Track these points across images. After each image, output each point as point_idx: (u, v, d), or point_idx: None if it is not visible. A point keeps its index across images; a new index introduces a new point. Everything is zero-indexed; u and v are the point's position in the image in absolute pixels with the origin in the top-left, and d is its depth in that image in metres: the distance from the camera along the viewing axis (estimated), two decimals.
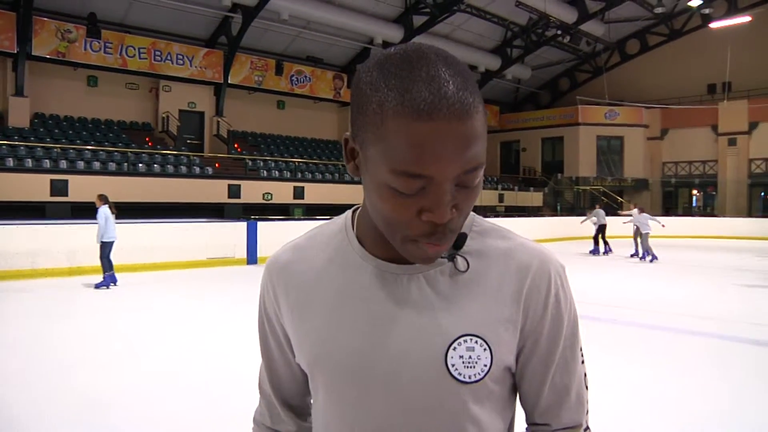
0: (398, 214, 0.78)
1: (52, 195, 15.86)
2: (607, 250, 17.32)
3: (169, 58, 21.18)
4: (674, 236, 24.10)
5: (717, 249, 19.30)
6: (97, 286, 9.74)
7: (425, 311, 0.87)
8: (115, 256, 11.01)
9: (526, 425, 1.01)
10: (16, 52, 17.93)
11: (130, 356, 5.88)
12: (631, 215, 16.68)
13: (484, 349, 0.86)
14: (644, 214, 15.97)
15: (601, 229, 17.31)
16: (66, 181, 16.20)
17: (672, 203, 31.95)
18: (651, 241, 15.57)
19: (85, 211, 15.15)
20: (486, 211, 26.23)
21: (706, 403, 4.75)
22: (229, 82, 22.71)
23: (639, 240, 15.97)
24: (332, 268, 0.93)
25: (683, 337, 7.11)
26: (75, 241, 11.48)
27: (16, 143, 16.84)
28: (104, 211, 9.65)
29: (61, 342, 6.38)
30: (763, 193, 29.70)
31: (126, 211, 15.98)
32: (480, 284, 0.89)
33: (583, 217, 18.57)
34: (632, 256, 16.22)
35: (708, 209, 30.97)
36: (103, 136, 19.81)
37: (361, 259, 0.92)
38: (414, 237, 0.79)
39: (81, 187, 16.33)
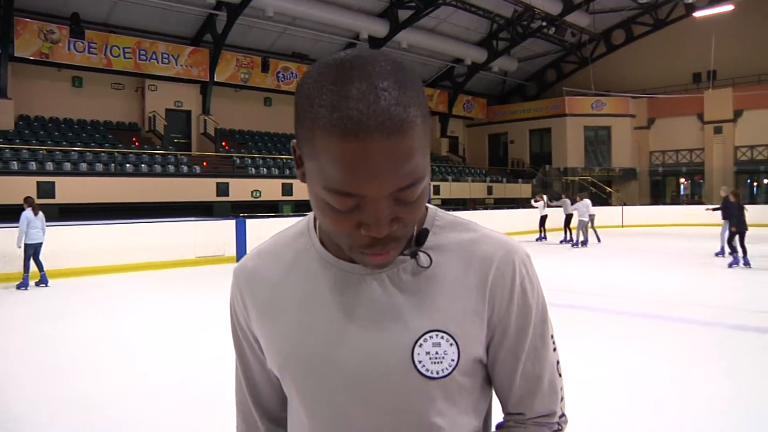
0: (337, 227, 0.78)
1: (39, 197, 15.67)
2: (565, 240, 17.78)
3: (154, 57, 21.04)
4: (663, 224, 24.27)
5: (708, 236, 19.39)
6: (18, 287, 9.77)
7: (390, 310, 0.87)
8: (104, 257, 11.03)
9: (502, 415, 1.01)
10: None
11: (120, 356, 5.87)
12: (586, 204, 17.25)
13: (451, 344, 0.86)
14: (586, 201, 16.86)
15: (567, 218, 17.86)
16: (53, 183, 16.09)
17: (660, 192, 32.16)
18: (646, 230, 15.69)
19: (73, 213, 15.09)
20: (475, 204, 26.32)
21: (699, 386, 4.81)
22: (215, 80, 22.60)
23: (591, 227, 17.06)
24: (297, 272, 0.94)
25: (672, 325, 7.17)
26: (63, 243, 11.43)
27: (1, 146, 16.69)
28: (25, 214, 9.73)
29: (53, 343, 6.37)
30: (749, 180, 29.94)
31: (114, 211, 15.94)
32: (444, 279, 0.89)
33: (538, 204, 18.77)
34: (582, 243, 16.77)
35: (696, 197, 31.18)
36: (89, 137, 19.67)
37: (324, 261, 0.92)
38: (358, 247, 0.79)
39: (68, 189, 16.23)
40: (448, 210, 1.00)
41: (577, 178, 30.34)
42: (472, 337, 0.88)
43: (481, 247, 0.90)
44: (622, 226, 24.22)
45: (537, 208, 18.68)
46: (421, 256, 0.89)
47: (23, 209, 9.86)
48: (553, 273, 11.79)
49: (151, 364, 5.59)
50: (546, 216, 18.48)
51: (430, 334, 0.86)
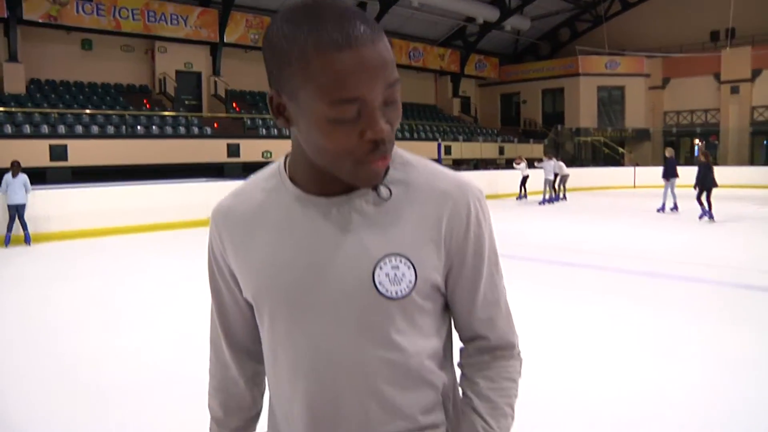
0: (343, 142, 0.86)
1: (51, 160, 15.89)
2: (550, 199, 18.56)
3: (163, 18, 20.92)
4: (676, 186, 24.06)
5: (719, 198, 19.25)
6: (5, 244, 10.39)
7: (353, 236, 0.96)
8: (117, 218, 11.32)
9: (461, 344, 1.09)
10: (6, 17, 17.73)
11: (128, 317, 6.02)
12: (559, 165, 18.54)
13: (408, 267, 0.95)
14: (550, 161, 18.13)
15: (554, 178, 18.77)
16: (65, 146, 16.21)
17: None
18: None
19: (86, 176, 15.23)
20: (486, 164, 26.20)
21: (706, 345, 4.89)
22: (224, 41, 22.46)
23: (562, 185, 18.74)
24: (269, 207, 1.02)
25: (679, 284, 7.22)
26: (76, 204, 11.60)
27: (13, 110, 16.79)
28: (5, 177, 10.36)
29: (57, 304, 6.53)
30: (765, 142, 29.50)
31: (126, 173, 16.08)
32: (403, 210, 0.97)
33: (519, 166, 19.50)
34: (547, 201, 18.08)
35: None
36: (100, 100, 19.72)
37: (294, 196, 1.00)
38: (361, 158, 0.88)
39: (80, 152, 16.36)
40: (459, 170, 1.08)
41: (589, 139, 30.06)
42: (428, 263, 0.96)
43: (438, 183, 0.99)
44: (634, 187, 24.09)
45: (519, 169, 19.41)
46: (382, 188, 0.97)
47: (23, 173, 10.44)
48: (545, 230, 11.87)
49: (154, 325, 5.74)
50: (527, 177, 19.29)
51: (389, 257, 0.94)
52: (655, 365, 4.37)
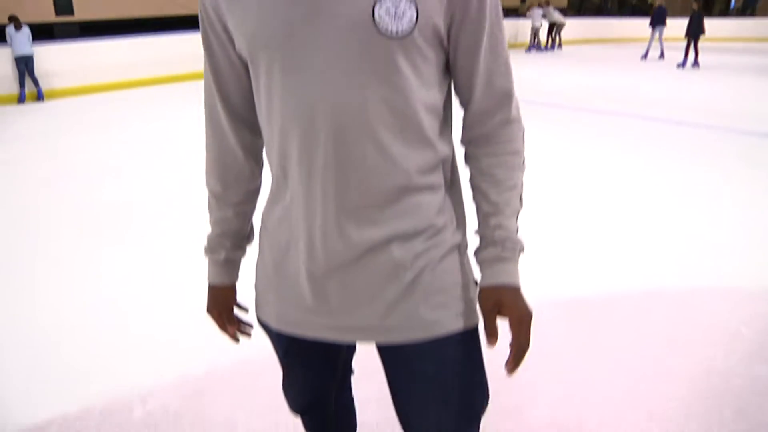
0: None
1: (57, 15, 15.41)
2: (540, 47, 18.73)
3: None
4: (710, 39, 23.05)
5: (757, 51, 18.50)
6: (19, 101, 10.28)
7: None
8: (131, 71, 11.58)
9: (463, 114, 1.06)
10: None
11: (143, 165, 6.07)
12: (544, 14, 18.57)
13: (410, 4, 0.89)
14: (539, 9, 18.25)
15: (549, 27, 18.95)
16: None
17: (708, 4, 30.08)
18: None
19: (94, 30, 14.82)
20: (507, 13, 25.03)
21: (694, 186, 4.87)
22: None
23: (556, 34, 18.84)
24: None
25: (669, 127, 7.15)
26: (86, 60, 11.41)
27: None
28: (7, 32, 10.05)
29: (69, 157, 6.53)
30: None
31: (136, 26, 15.61)
32: None
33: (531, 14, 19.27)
34: (535, 48, 18.63)
35: (748, 12, 29.17)
36: None
37: None
38: None
39: (87, 5, 15.82)
40: None
41: None
42: (429, 3, 0.91)
43: None
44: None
45: (530, 18, 19.31)
46: None
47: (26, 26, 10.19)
48: (539, 76, 12.29)
49: (169, 172, 5.77)
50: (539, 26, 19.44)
51: None
52: (652, 201, 4.41)
